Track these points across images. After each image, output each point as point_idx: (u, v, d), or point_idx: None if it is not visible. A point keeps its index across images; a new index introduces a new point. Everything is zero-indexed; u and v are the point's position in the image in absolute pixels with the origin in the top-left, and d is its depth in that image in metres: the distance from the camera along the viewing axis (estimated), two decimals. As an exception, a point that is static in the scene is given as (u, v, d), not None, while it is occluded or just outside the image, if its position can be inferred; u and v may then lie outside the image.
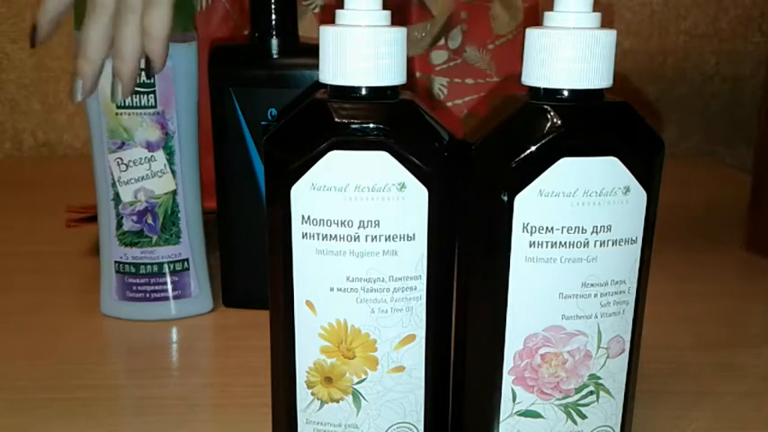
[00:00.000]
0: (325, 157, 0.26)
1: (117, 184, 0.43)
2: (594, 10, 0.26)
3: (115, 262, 0.45)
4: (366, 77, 0.27)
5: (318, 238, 0.27)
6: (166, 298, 0.45)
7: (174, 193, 0.44)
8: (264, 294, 0.29)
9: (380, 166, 0.26)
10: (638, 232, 0.27)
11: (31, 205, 0.71)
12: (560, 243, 0.26)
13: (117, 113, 0.42)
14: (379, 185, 0.26)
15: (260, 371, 0.33)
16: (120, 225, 0.44)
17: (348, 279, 0.27)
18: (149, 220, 0.44)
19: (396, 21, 0.27)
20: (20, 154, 0.91)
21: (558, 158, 0.26)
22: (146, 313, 0.45)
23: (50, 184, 0.78)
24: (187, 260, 0.45)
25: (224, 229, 0.47)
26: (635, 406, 0.30)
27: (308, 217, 0.27)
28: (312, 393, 0.29)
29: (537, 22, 0.68)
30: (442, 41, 0.65)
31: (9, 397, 0.37)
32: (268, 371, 0.30)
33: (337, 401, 0.29)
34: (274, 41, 0.44)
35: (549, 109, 0.26)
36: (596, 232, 0.27)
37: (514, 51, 0.64)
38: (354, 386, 0.28)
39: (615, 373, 0.29)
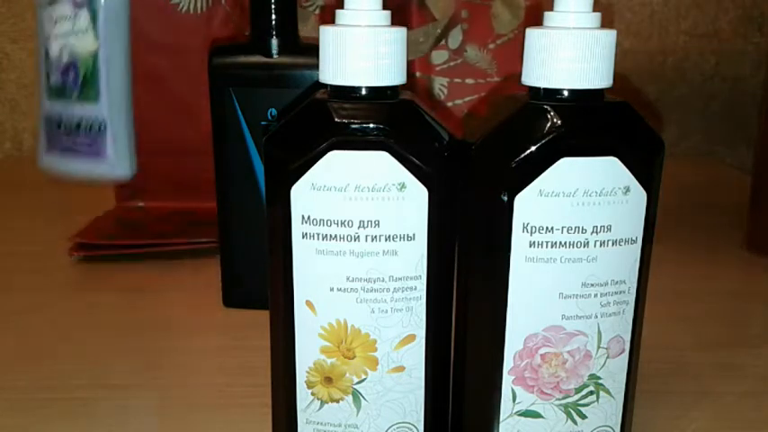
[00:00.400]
0: (325, 157, 0.26)
1: (49, 38, 0.45)
2: (594, 10, 0.26)
3: (44, 116, 0.46)
4: (366, 77, 0.27)
5: (318, 238, 0.27)
6: (82, 154, 0.46)
7: (96, 53, 0.45)
8: (264, 294, 0.29)
9: (380, 166, 0.26)
10: (638, 232, 0.27)
11: (31, 205, 0.71)
12: (560, 243, 0.26)
13: None
14: (379, 185, 0.26)
15: (260, 371, 0.33)
16: (48, 78, 0.45)
17: (348, 279, 0.27)
18: (70, 76, 0.45)
19: (396, 21, 0.27)
20: (20, 154, 0.91)
21: (558, 158, 0.26)
22: (67, 166, 0.47)
23: (50, 185, 0.78)
24: (103, 122, 0.46)
25: (224, 229, 0.47)
26: (635, 406, 0.30)
27: (308, 217, 0.27)
28: (312, 393, 0.29)
29: (539, 20, 0.67)
30: (443, 41, 0.65)
31: (9, 397, 0.37)
32: (268, 371, 0.30)
33: (337, 401, 0.29)
34: (274, 41, 0.44)
35: (549, 109, 0.26)
36: (596, 232, 0.27)
37: (515, 51, 0.64)
38: (354, 386, 0.28)
39: (615, 373, 0.29)
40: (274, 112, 0.44)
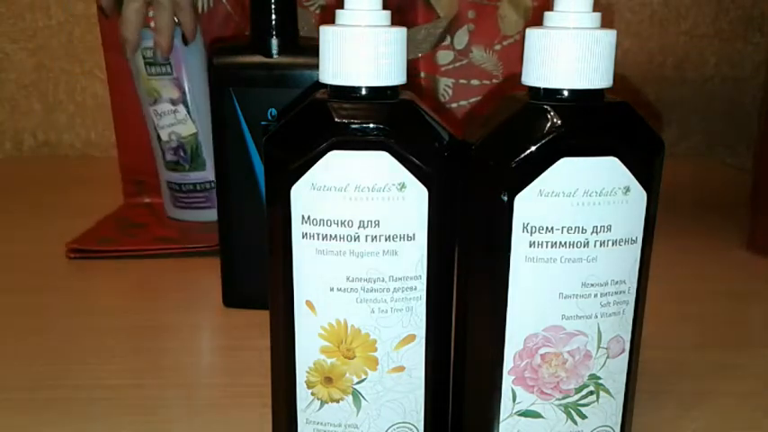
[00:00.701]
0: (325, 157, 0.26)
1: (157, 128, 0.60)
2: (594, 10, 0.26)
3: (166, 182, 0.63)
4: (366, 77, 0.27)
5: (318, 238, 0.27)
6: (200, 207, 0.62)
7: (196, 134, 0.60)
8: (264, 294, 0.29)
9: (380, 166, 0.26)
10: (638, 232, 0.27)
11: (31, 205, 0.71)
12: (560, 243, 0.26)
13: (149, 79, 0.58)
14: (379, 185, 0.26)
15: (260, 371, 0.33)
16: (164, 156, 0.61)
17: (348, 279, 0.27)
18: (181, 154, 0.60)
19: (396, 21, 0.27)
20: (20, 154, 0.91)
21: (558, 158, 0.26)
22: (190, 216, 0.63)
23: (50, 184, 0.78)
24: (212, 182, 0.60)
25: (224, 229, 0.47)
26: (635, 406, 0.30)
27: (308, 217, 0.27)
28: (312, 393, 0.29)
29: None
30: (448, 41, 0.65)
31: (9, 397, 0.37)
32: (268, 371, 0.30)
33: (337, 401, 0.29)
34: (274, 41, 0.44)
35: (549, 109, 0.26)
36: (596, 232, 0.27)
37: (521, 52, 0.63)
38: (354, 386, 0.28)
39: (615, 373, 0.29)
40: (274, 112, 0.44)
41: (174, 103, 0.59)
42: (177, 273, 0.54)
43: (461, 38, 0.64)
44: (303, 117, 0.27)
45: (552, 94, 0.27)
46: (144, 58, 0.57)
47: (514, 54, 0.64)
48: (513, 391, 0.28)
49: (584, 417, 0.29)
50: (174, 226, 0.62)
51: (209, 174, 0.61)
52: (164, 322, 0.46)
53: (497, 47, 0.64)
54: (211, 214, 0.60)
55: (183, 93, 0.58)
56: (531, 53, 0.27)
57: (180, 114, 0.59)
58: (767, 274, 0.55)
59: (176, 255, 0.56)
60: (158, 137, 0.60)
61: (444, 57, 0.65)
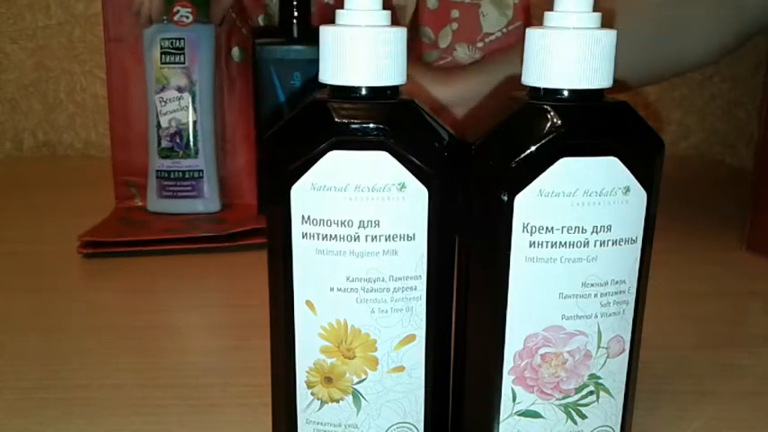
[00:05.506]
0: (325, 157, 0.26)
1: (159, 114, 0.63)
2: (594, 10, 0.26)
3: (156, 170, 0.64)
4: (366, 77, 0.27)
5: (318, 238, 0.27)
6: (186, 197, 0.64)
7: (195, 122, 0.63)
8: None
9: (380, 166, 0.26)
10: (638, 232, 0.27)
11: (31, 205, 0.71)
12: (560, 243, 0.26)
13: (161, 67, 0.62)
14: (379, 185, 0.26)
15: (260, 371, 0.33)
16: (159, 143, 0.64)
17: (348, 279, 0.27)
18: (178, 140, 0.63)
19: (395, 21, 0.27)
20: (20, 154, 0.91)
21: (558, 158, 0.26)
22: (175, 208, 0.64)
23: (50, 184, 0.78)
24: (202, 170, 0.64)
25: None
26: (635, 406, 0.30)
27: (308, 217, 0.27)
28: (312, 393, 0.29)
29: (529, 20, 0.70)
30: (432, 41, 0.66)
31: (9, 397, 0.37)
32: (268, 371, 0.30)
33: (337, 401, 0.29)
34: (295, 28, 0.60)
35: (549, 109, 0.26)
36: (596, 232, 0.27)
37: (503, 49, 0.65)
38: (354, 386, 0.28)
39: (615, 373, 0.29)
40: (299, 75, 0.57)
41: (180, 90, 0.62)
42: (178, 273, 0.54)
43: (445, 37, 0.66)
44: (303, 117, 0.28)
45: (552, 94, 0.27)
46: (161, 48, 0.62)
47: (496, 50, 0.66)
48: (513, 391, 0.28)
49: (584, 417, 0.29)
50: (176, 220, 0.62)
51: (200, 162, 0.64)
52: (164, 322, 0.46)
53: (480, 44, 0.66)
54: (197, 205, 0.65)
55: (192, 82, 0.63)
56: (530, 53, 0.27)
57: (184, 101, 0.62)
58: (767, 274, 0.55)
59: (178, 252, 0.56)
60: (158, 124, 0.63)
61: (429, 56, 0.67)
